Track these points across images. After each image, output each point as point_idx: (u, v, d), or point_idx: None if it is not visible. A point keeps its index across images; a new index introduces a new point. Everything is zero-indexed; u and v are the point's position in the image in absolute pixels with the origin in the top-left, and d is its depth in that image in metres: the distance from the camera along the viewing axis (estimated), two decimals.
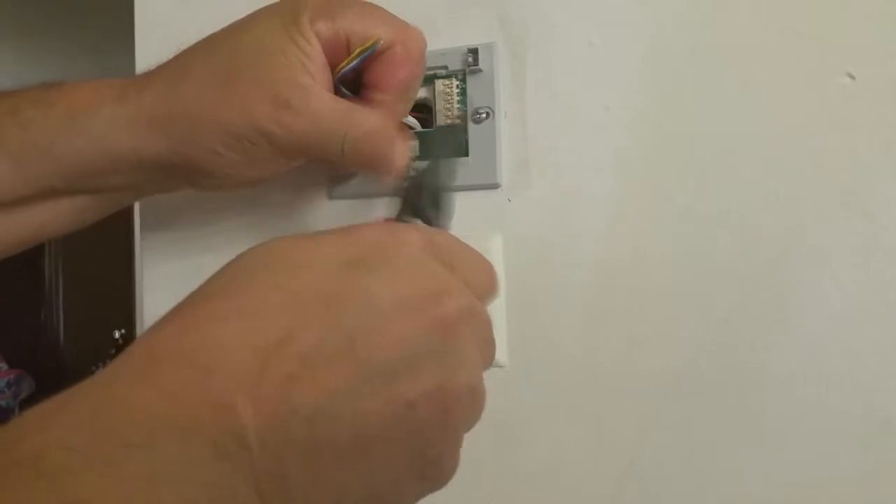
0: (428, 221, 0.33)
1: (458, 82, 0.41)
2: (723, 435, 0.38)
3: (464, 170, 0.41)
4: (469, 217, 0.40)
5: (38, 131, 0.36)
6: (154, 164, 0.37)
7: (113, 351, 2.65)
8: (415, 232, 0.27)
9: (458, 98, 0.41)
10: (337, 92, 0.37)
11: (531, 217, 0.41)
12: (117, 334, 2.68)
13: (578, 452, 0.40)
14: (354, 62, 0.36)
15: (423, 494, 0.26)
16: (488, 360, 0.28)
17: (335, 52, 0.36)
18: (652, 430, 0.39)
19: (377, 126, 0.36)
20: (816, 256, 0.36)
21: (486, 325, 0.27)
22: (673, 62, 0.39)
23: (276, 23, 0.36)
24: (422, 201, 0.32)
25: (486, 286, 0.29)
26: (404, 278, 0.25)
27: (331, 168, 0.43)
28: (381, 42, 0.36)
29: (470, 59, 0.41)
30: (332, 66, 0.37)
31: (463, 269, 0.28)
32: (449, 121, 0.41)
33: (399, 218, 0.32)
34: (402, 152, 0.37)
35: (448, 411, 0.25)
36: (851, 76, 0.36)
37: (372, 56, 0.36)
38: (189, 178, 0.39)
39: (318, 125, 0.35)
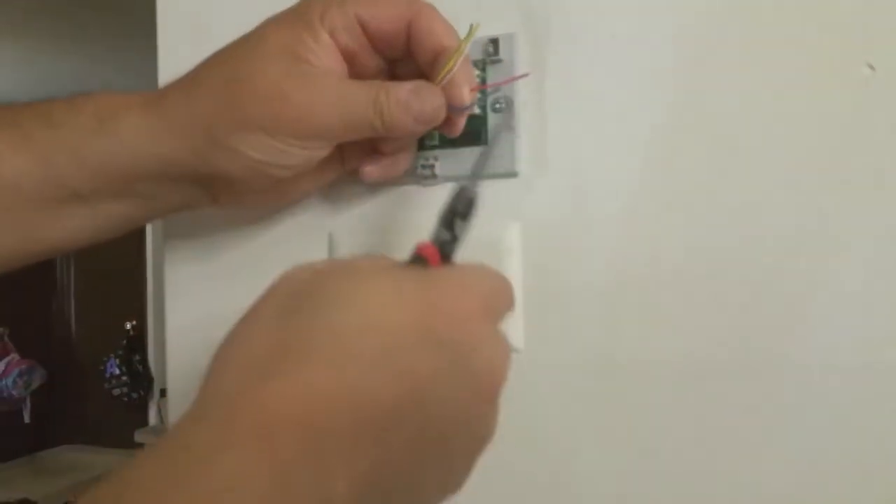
0: (454, 233, 0.33)
1: (478, 72, 0.41)
2: (739, 423, 0.38)
3: (482, 159, 0.41)
4: (487, 207, 0.40)
5: (67, 133, 0.37)
6: (178, 171, 0.38)
7: (124, 341, 2.67)
8: (473, 294, 0.29)
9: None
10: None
11: (549, 206, 0.41)
12: (128, 325, 2.70)
13: (594, 439, 0.40)
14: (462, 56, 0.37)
15: None
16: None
17: (356, 41, 0.37)
18: (668, 417, 0.39)
19: (414, 82, 0.37)
20: (834, 246, 0.37)
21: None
22: (694, 54, 0.39)
23: (285, 26, 0.37)
24: (455, 220, 0.33)
25: (510, 307, 0.32)
26: (474, 356, 0.28)
27: (371, 174, 0.42)
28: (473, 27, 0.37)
29: (490, 49, 0.41)
30: (355, 55, 0.38)
31: (501, 308, 0.31)
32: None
33: (435, 241, 0.32)
34: (440, 101, 0.37)
35: (477, 455, 0.29)
36: (872, 67, 0.36)
37: (394, 33, 0.37)
38: (212, 189, 0.39)
39: (343, 98, 0.36)
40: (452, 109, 0.38)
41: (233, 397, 0.24)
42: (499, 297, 0.31)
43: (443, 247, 0.32)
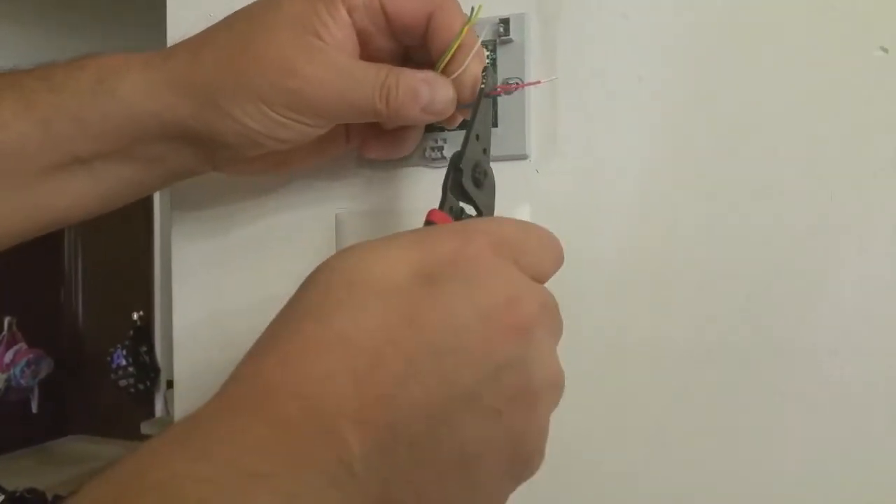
0: (472, 201, 0.33)
1: (488, 52, 0.41)
2: (750, 407, 0.38)
3: (493, 140, 0.41)
4: (497, 188, 0.40)
5: (67, 95, 0.37)
6: (176, 132, 0.38)
7: (131, 332, 2.68)
8: (480, 235, 0.27)
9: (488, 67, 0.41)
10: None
11: (559, 188, 0.41)
12: (135, 316, 2.70)
13: (605, 423, 0.40)
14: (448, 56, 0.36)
15: (516, 488, 0.27)
16: (559, 337, 0.29)
17: (374, 22, 0.37)
18: (679, 401, 0.39)
19: (425, 72, 0.36)
20: (846, 230, 0.36)
21: (555, 311, 0.28)
22: (707, 34, 0.39)
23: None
24: (463, 183, 0.32)
25: (551, 263, 0.30)
26: (478, 291, 0.26)
27: (373, 150, 0.42)
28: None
29: (501, 29, 0.41)
30: (371, 37, 0.37)
31: (528, 257, 0.28)
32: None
33: (444, 207, 0.32)
34: (450, 93, 0.37)
35: (531, 410, 0.26)
36: (885, 49, 0.36)
37: (413, 24, 0.37)
38: (210, 152, 0.39)
39: (345, 77, 0.35)
40: (459, 105, 0.38)
41: (237, 376, 0.25)
42: (521, 238, 0.28)
43: (459, 215, 0.31)
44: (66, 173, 0.39)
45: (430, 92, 0.36)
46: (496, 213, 0.35)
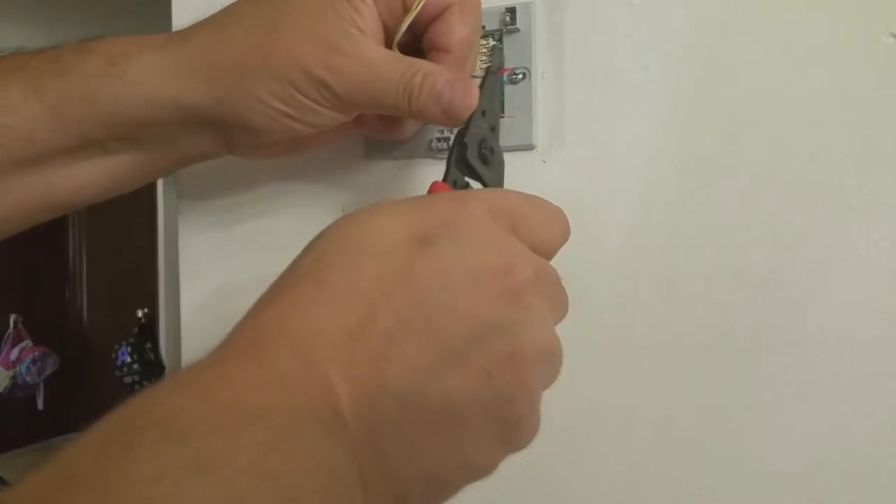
0: (479, 177, 0.33)
1: (495, 42, 0.41)
2: (757, 397, 0.37)
3: (500, 131, 0.41)
4: (504, 178, 0.40)
5: (77, 78, 0.36)
6: (194, 116, 0.37)
7: (136, 329, 2.68)
8: (478, 201, 0.27)
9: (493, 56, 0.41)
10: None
11: (566, 178, 0.41)
12: (140, 313, 2.70)
13: (612, 413, 0.40)
14: (406, 23, 0.36)
15: (507, 454, 0.27)
16: (561, 313, 0.29)
17: (392, 13, 0.36)
18: (686, 391, 0.39)
19: (451, 73, 0.36)
20: (854, 219, 0.36)
21: (554, 283, 0.29)
22: (714, 21, 0.38)
23: None
24: (468, 158, 0.32)
25: (555, 237, 0.30)
26: (472, 254, 0.26)
27: (371, 128, 0.42)
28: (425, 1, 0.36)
29: (507, 19, 0.40)
30: (389, 29, 0.37)
31: (528, 228, 0.28)
32: None
33: (447, 179, 0.31)
34: (474, 102, 0.36)
35: (521, 375, 0.26)
36: (894, 36, 0.36)
37: (430, 18, 0.36)
38: (228, 136, 0.38)
39: (373, 72, 0.35)
40: None
41: (235, 331, 0.25)
42: (521, 207, 0.28)
43: (464, 188, 0.31)
44: (77, 157, 0.38)
45: (451, 95, 0.35)
46: None
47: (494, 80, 0.35)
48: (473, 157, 0.32)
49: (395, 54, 0.36)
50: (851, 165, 0.36)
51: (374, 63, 0.35)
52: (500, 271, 0.26)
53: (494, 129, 0.34)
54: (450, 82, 0.35)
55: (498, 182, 0.33)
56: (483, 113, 0.34)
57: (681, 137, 0.39)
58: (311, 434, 0.22)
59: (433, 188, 0.30)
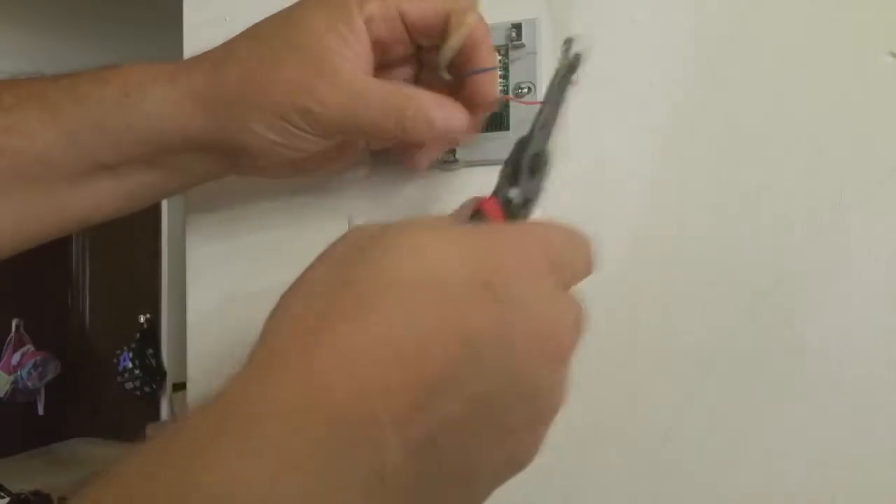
0: (524, 188, 0.32)
1: (500, 57, 0.42)
2: (758, 407, 0.38)
3: (504, 144, 0.41)
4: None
5: (92, 106, 0.38)
6: (201, 144, 0.39)
7: (138, 335, 2.68)
8: (538, 249, 0.27)
9: (500, 73, 0.42)
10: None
11: (570, 191, 0.41)
12: (142, 319, 2.71)
13: (614, 423, 0.40)
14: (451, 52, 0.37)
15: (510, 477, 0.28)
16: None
17: (391, 32, 0.37)
18: (688, 401, 0.39)
19: (439, 99, 0.37)
20: (854, 232, 0.37)
21: (586, 322, 0.29)
22: (716, 38, 0.39)
23: (321, 11, 0.37)
24: (520, 176, 0.32)
25: (587, 269, 0.30)
26: (533, 315, 0.26)
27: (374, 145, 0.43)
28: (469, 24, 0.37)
29: (513, 34, 0.41)
30: (388, 46, 0.38)
31: (574, 274, 0.29)
32: None
33: (498, 194, 0.31)
34: (464, 120, 0.37)
35: (540, 433, 0.27)
36: (895, 55, 0.36)
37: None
38: (233, 159, 0.40)
39: (357, 101, 0.36)
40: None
41: (281, 356, 0.24)
42: (571, 254, 0.29)
43: (507, 205, 0.31)
44: (91, 179, 0.40)
45: (444, 119, 0.37)
46: None
47: (565, 83, 0.34)
48: (525, 170, 0.32)
49: (380, 82, 0.37)
50: (849, 181, 0.37)
51: (360, 91, 0.36)
52: (555, 335, 0.26)
53: (550, 136, 0.34)
54: (441, 105, 0.37)
55: (538, 191, 0.33)
56: (544, 124, 0.33)
57: (683, 151, 0.39)
58: (355, 484, 0.22)
59: (481, 206, 0.30)
